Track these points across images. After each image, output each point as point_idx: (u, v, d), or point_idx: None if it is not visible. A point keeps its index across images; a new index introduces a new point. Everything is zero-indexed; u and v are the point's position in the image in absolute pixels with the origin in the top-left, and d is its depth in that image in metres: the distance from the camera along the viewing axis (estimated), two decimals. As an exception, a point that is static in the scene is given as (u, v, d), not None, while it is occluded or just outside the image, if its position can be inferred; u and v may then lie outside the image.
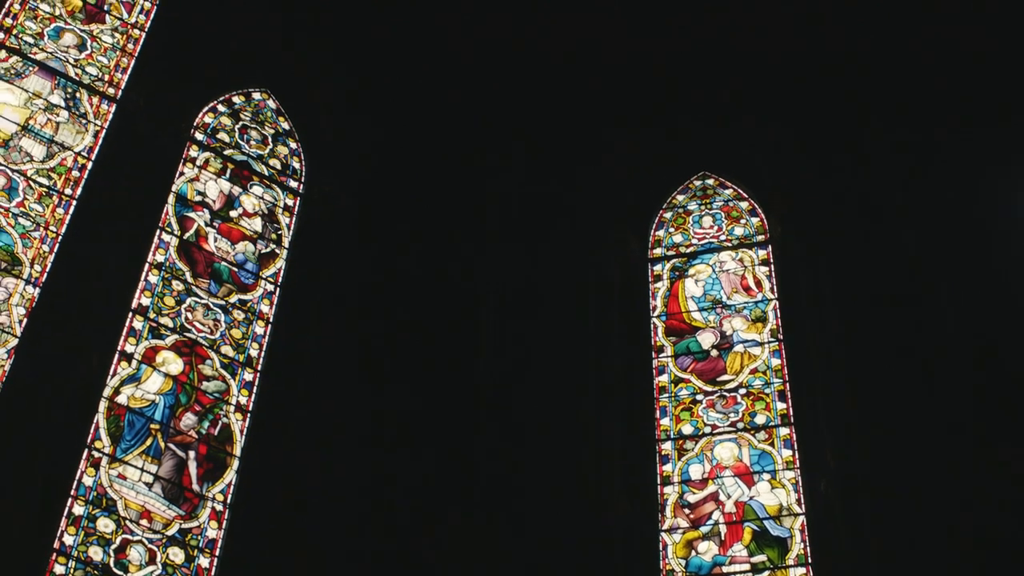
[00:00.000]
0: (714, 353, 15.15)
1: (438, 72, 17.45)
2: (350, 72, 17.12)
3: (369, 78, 17.15)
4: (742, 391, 14.68)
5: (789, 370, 14.70)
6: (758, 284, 15.72)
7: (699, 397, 14.76)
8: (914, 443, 13.54)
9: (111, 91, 15.07)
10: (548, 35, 17.49)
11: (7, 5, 14.98)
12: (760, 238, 16.22)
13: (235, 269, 14.62)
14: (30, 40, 14.95)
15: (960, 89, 16.46)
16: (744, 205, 16.59)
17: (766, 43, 17.18)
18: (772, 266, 15.82)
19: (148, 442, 12.87)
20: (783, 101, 16.95)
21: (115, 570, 11.97)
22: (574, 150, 17.07)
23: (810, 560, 13.20)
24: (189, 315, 13.94)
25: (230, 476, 13.14)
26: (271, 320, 14.46)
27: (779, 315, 15.30)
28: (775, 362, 14.85)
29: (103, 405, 12.78)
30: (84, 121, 14.63)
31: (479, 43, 17.57)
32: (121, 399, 12.95)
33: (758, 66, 17.19)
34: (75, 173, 14.14)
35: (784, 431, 14.22)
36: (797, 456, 13.95)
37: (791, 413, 14.32)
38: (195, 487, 12.85)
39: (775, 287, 15.61)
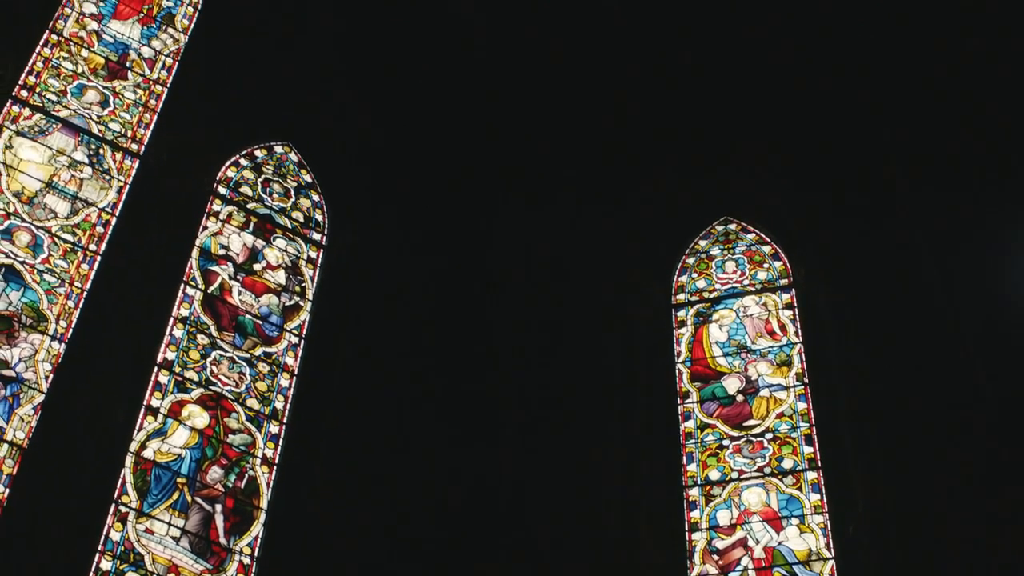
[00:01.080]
0: (740, 398, 15.09)
1: (460, 121, 17.53)
2: (372, 124, 17.16)
3: (391, 130, 17.20)
4: (769, 436, 14.62)
5: (815, 414, 14.63)
6: (782, 328, 15.68)
7: (725, 442, 14.69)
8: (942, 486, 13.45)
9: (134, 147, 15.15)
10: (571, 80, 17.59)
11: (30, 63, 15.09)
12: (783, 282, 16.18)
13: (259, 322, 14.64)
14: (53, 98, 15.05)
15: (989, 137, 16.39)
16: (767, 249, 16.58)
17: (787, 88, 17.25)
18: (796, 310, 15.78)
19: (175, 496, 12.86)
20: (803, 144, 16.99)
21: (144, 624, 11.97)
22: (595, 197, 17.10)
23: (840, 604, 13.15)
24: (214, 368, 13.96)
25: (257, 529, 13.11)
26: (296, 372, 14.46)
27: (804, 359, 15.24)
28: (801, 406, 14.79)
29: (129, 460, 12.78)
30: (108, 177, 14.70)
31: (501, 90, 17.68)
32: (147, 453, 12.95)
33: (778, 110, 17.24)
34: (99, 229, 14.20)
35: (812, 475, 14.14)
36: (825, 500, 13.87)
37: (818, 457, 14.24)
38: (222, 540, 12.83)
39: (799, 331, 15.56)
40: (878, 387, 14.49)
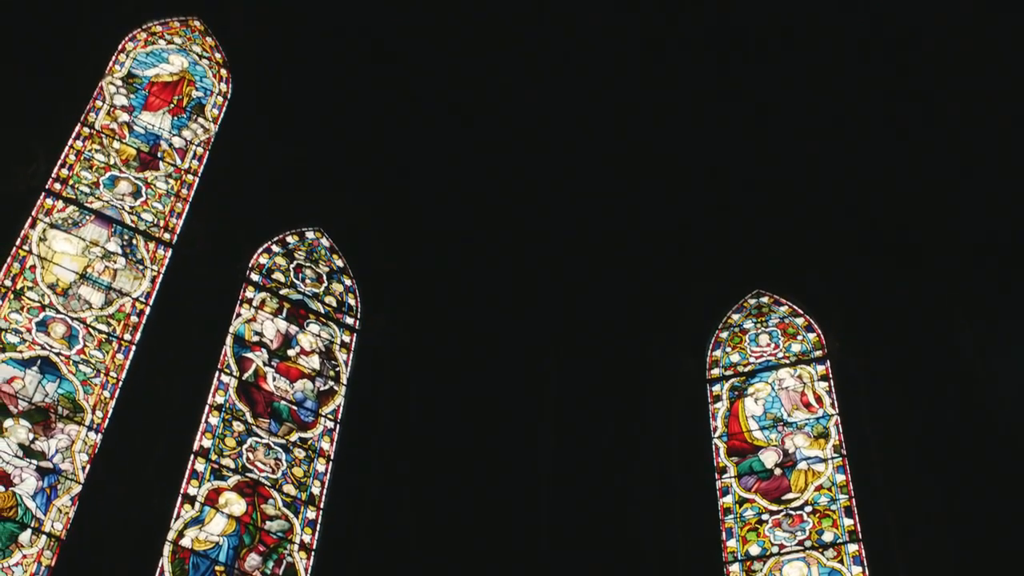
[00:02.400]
0: (778, 472, 15.00)
1: (488, 207, 17.58)
2: (402, 208, 17.23)
3: (420, 214, 17.26)
4: (808, 509, 14.51)
5: (855, 485, 14.52)
6: (818, 400, 15.61)
7: (765, 517, 14.59)
8: (986, 553, 13.33)
9: (167, 236, 15.25)
10: (605, 165, 17.75)
11: (63, 156, 15.25)
12: (818, 354, 16.14)
13: (295, 407, 14.65)
14: (86, 189, 15.19)
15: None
16: (800, 321, 16.55)
17: (817, 162, 17.32)
18: (831, 381, 15.73)
19: (214, 584, 12.86)
20: (834, 217, 17.00)
21: None
22: (626, 276, 17.11)
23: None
24: (250, 455, 13.95)
25: (296, 615, 13.10)
26: (332, 457, 14.44)
27: (841, 430, 15.16)
28: (840, 478, 14.69)
29: (167, 548, 12.75)
30: (141, 267, 14.79)
31: (529, 179, 17.78)
32: (185, 542, 12.93)
33: (808, 183, 17.30)
34: (133, 319, 14.27)
35: (853, 547, 14.03)
36: (867, 572, 13.74)
37: (859, 529, 14.13)
38: (262, 627, 12.81)
39: (836, 402, 15.50)
40: (916, 457, 14.39)
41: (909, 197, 16.89)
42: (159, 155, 16.08)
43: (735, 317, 16.86)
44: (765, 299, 16.93)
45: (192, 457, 13.54)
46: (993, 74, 16.79)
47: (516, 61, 18.25)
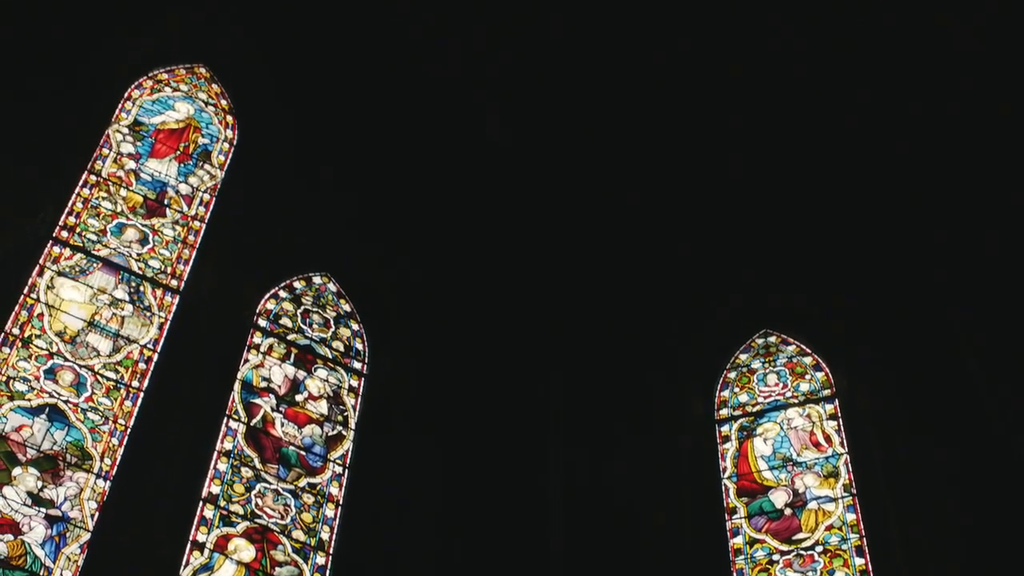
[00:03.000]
0: (788, 512, 14.95)
1: (497, 250, 17.61)
2: (409, 253, 17.25)
3: (428, 258, 17.29)
4: (819, 549, 14.45)
5: (865, 525, 14.47)
6: (827, 439, 15.57)
7: (776, 557, 14.54)
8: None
9: (174, 283, 15.28)
10: (609, 206, 17.77)
11: (70, 204, 15.29)
12: (826, 392, 16.11)
13: (303, 453, 14.62)
14: (93, 237, 15.23)
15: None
16: (808, 360, 16.53)
17: (822, 203, 17.36)
18: (840, 420, 15.69)
19: (224, 630, 12.84)
20: (840, 255, 17.01)
21: None
22: (633, 317, 17.12)
23: None
24: (259, 501, 13.92)
25: (306, 661, 13.05)
26: (341, 502, 14.40)
27: (851, 469, 15.11)
28: (850, 517, 14.64)
29: (177, 596, 12.75)
30: (148, 314, 14.81)
31: (534, 220, 17.81)
32: (195, 589, 12.92)
33: (813, 223, 17.33)
34: (141, 365, 14.27)
35: (864, 587, 14.01)
36: (879, 611, 13.72)
37: (870, 569, 14.07)
38: (272, 674, 12.77)
39: (845, 441, 15.46)
40: (927, 495, 14.34)
41: (913, 232, 16.88)
42: (166, 202, 16.12)
43: (743, 357, 16.84)
44: (773, 338, 16.91)
45: (201, 503, 13.51)
46: (994, 105, 16.82)
47: (526, 105, 18.30)
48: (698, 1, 17.70)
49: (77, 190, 15.52)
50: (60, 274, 14.66)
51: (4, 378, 13.35)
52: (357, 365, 15.97)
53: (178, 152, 16.77)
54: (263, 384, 15.05)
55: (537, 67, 18.23)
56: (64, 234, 15.03)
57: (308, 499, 14.23)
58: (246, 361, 15.16)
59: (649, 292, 17.37)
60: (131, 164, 16.30)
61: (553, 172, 18.20)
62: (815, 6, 17.30)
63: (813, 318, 16.88)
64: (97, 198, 15.65)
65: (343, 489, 14.53)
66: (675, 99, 18.10)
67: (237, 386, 14.81)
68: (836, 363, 16.29)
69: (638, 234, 17.85)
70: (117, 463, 13.24)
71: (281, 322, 15.82)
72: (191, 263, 15.59)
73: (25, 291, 14.18)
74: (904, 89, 17.22)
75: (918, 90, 17.13)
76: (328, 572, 13.72)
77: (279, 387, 15.13)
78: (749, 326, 17.03)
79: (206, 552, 13.21)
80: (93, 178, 15.80)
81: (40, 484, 12.69)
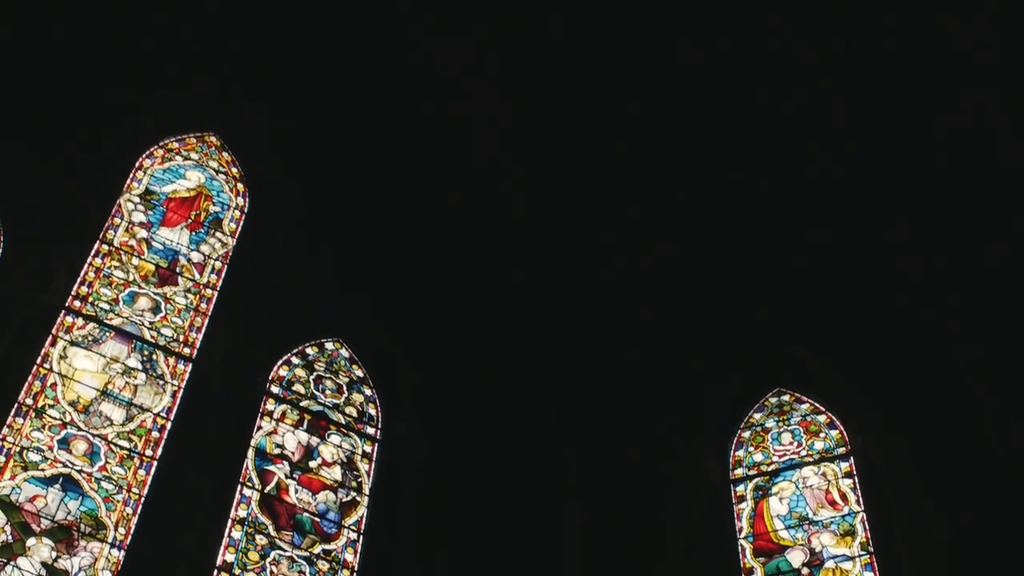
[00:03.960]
0: (805, 571, 14.87)
1: (512, 317, 17.61)
2: (421, 318, 17.25)
3: (440, 324, 17.27)
4: (837, 608, 14.40)
5: (883, 583, 14.42)
6: (843, 497, 15.50)
7: (795, 617, 14.49)
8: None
9: (187, 351, 15.30)
10: (623, 271, 17.82)
11: (82, 274, 15.35)
12: (841, 451, 16.05)
13: (317, 519, 14.58)
14: (106, 306, 15.26)
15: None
16: (822, 418, 16.48)
17: (831, 261, 17.37)
18: (856, 478, 15.61)
19: None
20: (852, 313, 17.00)
21: None
22: (646, 379, 17.10)
23: None
24: (274, 569, 13.87)
25: None
26: (356, 569, 14.34)
27: (868, 527, 15.03)
28: (868, 576, 14.59)
29: (194, 665, 12.69)
30: (161, 382, 14.82)
31: (547, 286, 17.85)
32: (211, 657, 12.87)
33: (823, 282, 17.34)
34: (155, 434, 14.26)
35: (883, 646, 13.92)
36: (897, 670, 13.63)
37: (890, 627, 14.00)
38: None
39: (861, 499, 15.39)
40: (944, 552, 14.27)
41: (927, 289, 16.86)
42: (178, 270, 16.17)
43: (757, 416, 16.79)
44: (786, 397, 16.87)
45: (216, 572, 13.48)
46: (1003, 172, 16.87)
47: (543, 173, 18.39)
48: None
49: (89, 259, 15.58)
50: (73, 344, 14.69)
51: (18, 448, 13.35)
52: (370, 431, 15.94)
53: (189, 220, 16.85)
54: (276, 451, 15.03)
55: (547, 129, 18.28)
56: (77, 304, 15.07)
57: (323, 566, 14.19)
58: (259, 428, 15.14)
59: (661, 353, 17.34)
60: (143, 233, 16.36)
61: (568, 237, 18.22)
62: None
63: (826, 376, 16.84)
64: (109, 267, 15.70)
65: (358, 555, 14.48)
66: (683, 166, 18.16)
67: (251, 453, 14.79)
68: (850, 421, 16.23)
69: (651, 296, 17.84)
70: (131, 532, 13.22)
71: (294, 388, 15.82)
72: (203, 331, 15.61)
73: (38, 361, 14.21)
74: (899, 167, 17.27)
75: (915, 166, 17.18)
76: (344, 639, 13.68)
77: (293, 454, 15.11)
78: (762, 385, 17.00)
79: (221, 620, 13.18)
80: (105, 247, 15.87)
81: (54, 555, 12.67)
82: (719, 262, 17.95)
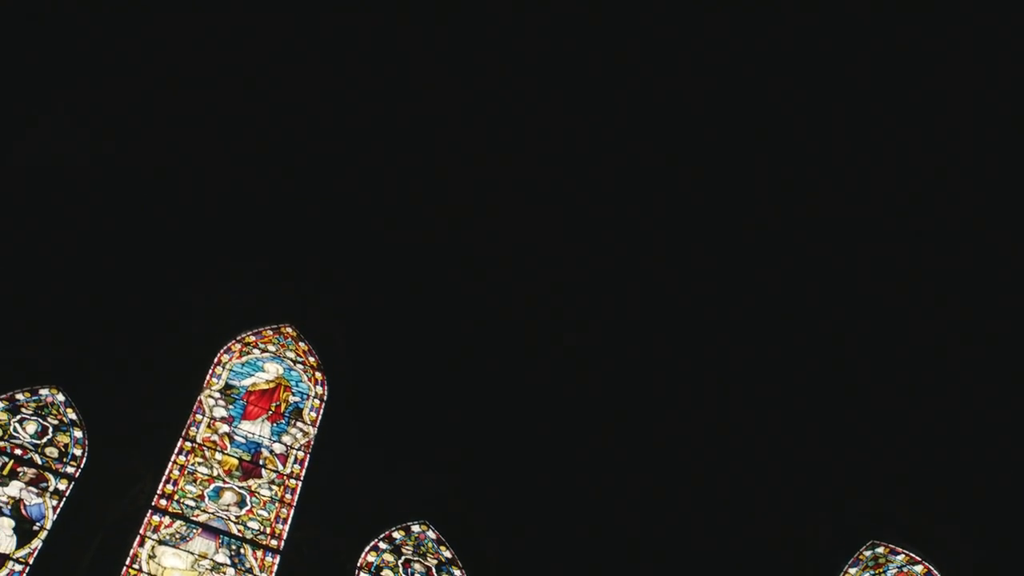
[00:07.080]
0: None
1: (581, 497, 17.55)
2: (510, 498, 17.19)
3: (526, 501, 17.20)
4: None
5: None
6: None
7: None
8: None
9: (274, 543, 15.31)
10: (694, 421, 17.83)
11: (167, 472, 15.46)
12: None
13: None
14: (191, 503, 15.35)
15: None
16: (919, 569, 16.27)
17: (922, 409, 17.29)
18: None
19: None
20: (944, 460, 16.84)
21: None
22: (738, 534, 16.98)
23: None
24: None
25: None
26: None
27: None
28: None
29: None
30: (250, 575, 14.81)
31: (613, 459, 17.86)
32: None
33: (916, 431, 17.22)
34: (248, 629, 14.26)
35: None
36: None
37: None
38: None
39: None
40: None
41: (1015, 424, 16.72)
42: (261, 462, 16.25)
43: (852, 571, 16.54)
44: (881, 549, 16.63)
45: None
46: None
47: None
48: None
49: (173, 458, 15.71)
50: (161, 543, 14.76)
51: (113, 653, 13.40)
52: (455, 599, 15.89)
53: (270, 412, 16.97)
54: (368, 637, 14.97)
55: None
56: (163, 502, 15.17)
57: None
58: (349, 615, 15.09)
59: (749, 510, 17.18)
60: (224, 428, 16.50)
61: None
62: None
63: (921, 526, 16.60)
64: (193, 464, 15.82)
65: None
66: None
67: (341, 641, 14.73)
68: (947, 570, 15.98)
69: (739, 446, 17.76)
70: None
71: (382, 574, 15.75)
72: (289, 521, 15.62)
73: (127, 562, 14.27)
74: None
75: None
76: None
77: (385, 640, 15.04)
78: (857, 538, 16.77)
79: None
80: (188, 444, 16.00)
81: None
82: (812, 415, 17.85)
